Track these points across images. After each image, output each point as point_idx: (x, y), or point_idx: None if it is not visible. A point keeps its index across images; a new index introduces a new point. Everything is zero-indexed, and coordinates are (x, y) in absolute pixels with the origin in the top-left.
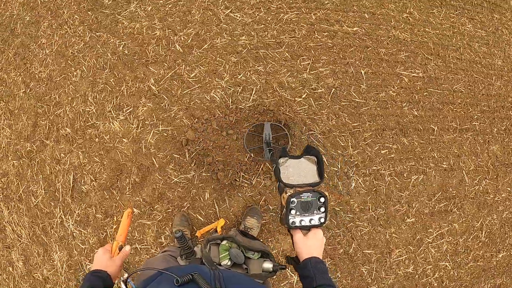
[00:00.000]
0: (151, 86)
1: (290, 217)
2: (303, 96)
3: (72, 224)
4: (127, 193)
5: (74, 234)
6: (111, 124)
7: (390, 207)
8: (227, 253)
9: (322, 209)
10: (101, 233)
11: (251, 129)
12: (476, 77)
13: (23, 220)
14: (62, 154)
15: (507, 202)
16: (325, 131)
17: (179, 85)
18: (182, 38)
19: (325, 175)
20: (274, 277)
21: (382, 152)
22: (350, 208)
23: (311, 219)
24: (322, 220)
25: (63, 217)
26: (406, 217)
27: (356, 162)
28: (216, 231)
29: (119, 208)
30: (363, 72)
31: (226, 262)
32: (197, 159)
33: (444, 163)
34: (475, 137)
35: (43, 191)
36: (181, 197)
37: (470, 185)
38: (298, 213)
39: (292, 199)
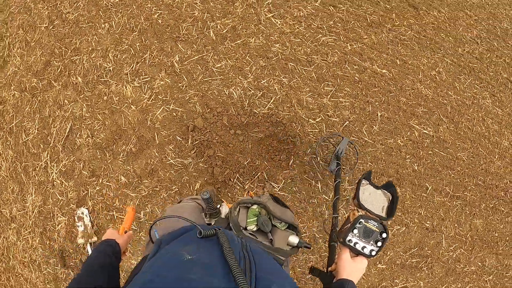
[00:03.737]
0: (175, 63)
1: (350, 234)
2: (317, 120)
3: (55, 173)
4: (120, 159)
5: (55, 183)
6: (124, 87)
7: None
8: (255, 218)
9: (379, 244)
10: (82, 191)
11: (326, 137)
12: (481, 151)
13: (7, 153)
14: (66, 101)
15: (474, 276)
16: (327, 160)
17: (202, 70)
18: (219, 27)
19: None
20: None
21: None
22: (327, 239)
23: (364, 247)
24: (373, 253)
25: (48, 162)
26: (378, 262)
27: (347, 197)
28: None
29: (107, 171)
30: (379, 114)
31: (252, 227)
32: (199, 148)
33: (428, 222)
34: (463, 207)
35: (36, 131)
36: (172, 179)
37: (445, 249)
38: (358, 234)
39: (360, 220)
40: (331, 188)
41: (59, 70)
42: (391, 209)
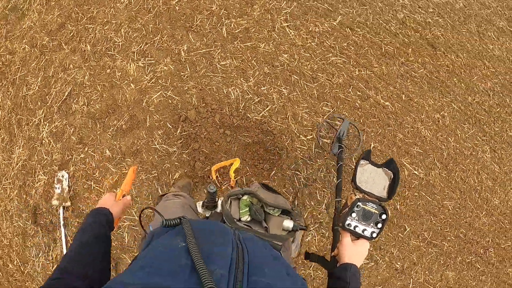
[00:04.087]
0: (182, 51)
1: (348, 218)
2: (308, 137)
3: (46, 132)
4: (109, 133)
5: (43, 141)
6: (129, 64)
7: None
8: (248, 208)
9: (379, 225)
10: (67, 155)
11: (327, 118)
12: (469, 204)
13: (5, 102)
14: (71, 65)
15: None
16: (309, 179)
17: (206, 65)
18: (232, 25)
19: (395, 195)
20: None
21: None
22: (295, 260)
23: (364, 230)
24: (374, 235)
25: (41, 121)
26: None
27: (321, 221)
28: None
29: (94, 142)
30: (372, 145)
31: (245, 217)
32: (185, 140)
33: (399, 263)
34: (439, 255)
35: (37, 88)
36: (154, 164)
37: None
38: (357, 218)
39: (358, 203)
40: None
41: (71, 34)
42: (392, 188)
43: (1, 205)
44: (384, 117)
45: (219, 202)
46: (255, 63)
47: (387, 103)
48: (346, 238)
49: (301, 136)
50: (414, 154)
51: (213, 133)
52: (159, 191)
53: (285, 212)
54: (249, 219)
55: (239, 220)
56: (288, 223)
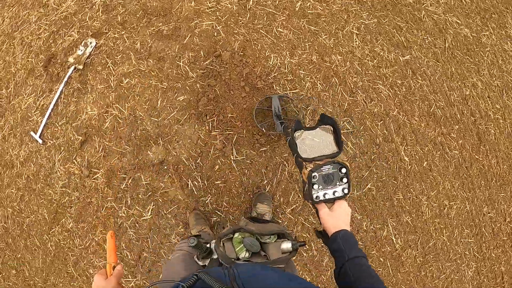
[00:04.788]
0: (251, 0)
1: (313, 192)
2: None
3: (101, 0)
4: (150, 30)
5: (93, 7)
6: None
7: None
8: (242, 245)
9: (345, 180)
10: (105, 29)
11: (259, 105)
12: None
13: None
14: None
15: None
16: (292, 176)
17: (264, 23)
18: (308, 4)
19: (343, 143)
20: (305, 253)
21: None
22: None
23: (334, 191)
24: (346, 191)
25: None
26: None
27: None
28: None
29: (133, 31)
30: (368, 185)
31: (243, 254)
32: (207, 73)
33: None
34: None
35: None
36: (169, 77)
37: None
38: (321, 187)
39: (313, 174)
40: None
41: None
42: (336, 139)
43: (28, 37)
44: (395, 169)
45: (213, 247)
46: (307, 47)
47: (406, 158)
48: (322, 210)
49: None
50: (402, 222)
51: (234, 82)
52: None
53: (281, 236)
54: (247, 255)
55: (238, 259)
56: (287, 245)
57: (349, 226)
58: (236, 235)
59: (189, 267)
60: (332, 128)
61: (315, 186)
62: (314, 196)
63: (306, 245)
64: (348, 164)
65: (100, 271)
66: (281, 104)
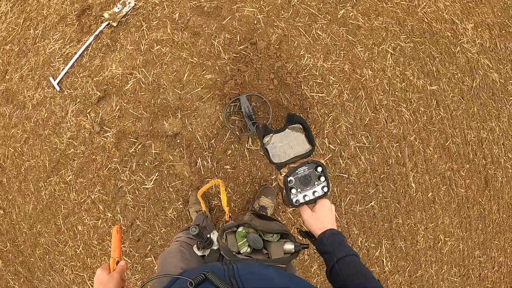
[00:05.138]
0: None
1: (292, 196)
2: (331, 145)
3: None
4: (191, 3)
5: None
6: None
7: None
8: (245, 239)
9: (322, 179)
10: None
11: (228, 108)
12: None
13: None
14: None
15: None
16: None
17: (304, 22)
18: (351, 14)
19: (315, 140)
20: (300, 256)
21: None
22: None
23: (314, 191)
24: (325, 189)
25: None
26: None
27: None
28: (222, 208)
29: (174, 0)
30: (372, 203)
31: (245, 249)
32: (240, 58)
33: None
34: None
35: None
36: (201, 54)
37: None
38: (299, 190)
39: (289, 178)
40: None
41: None
42: (308, 137)
43: None
44: (400, 193)
45: (214, 238)
46: (342, 55)
47: (413, 185)
48: (305, 213)
49: (326, 140)
50: (396, 246)
51: (264, 72)
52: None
53: (284, 236)
54: (249, 250)
55: (239, 253)
56: (290, 246)
57: (334, 224)
58: (240, 229)
59: (186, 258)
60: (301, 126)
61: (293, 190)
62: (294, 200)
63: (309, 247)
64: (323, 162)
65: (103, 265)
66: (252, 104)
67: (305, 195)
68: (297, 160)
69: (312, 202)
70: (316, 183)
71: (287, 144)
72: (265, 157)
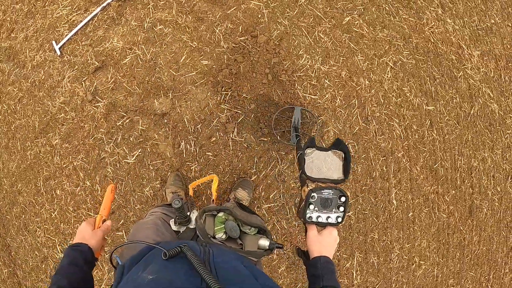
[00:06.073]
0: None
1: (308, 211)
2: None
3: None
4: None
5: None
6: None
7: None
8: (223, 225)
9: (341, 209)
10: None
11: (279, 113)
12: None
13: None
14: None
15: None
16: (282, 175)
17: (308, 23)
18: (356, 23)
19: (350, 173)
20: (270, 255)
21: None
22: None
23: (328, 217)
24: (340, 219)
25: None
26: None
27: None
28: (212, 196)
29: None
30: (373, 215)
31: (220, 235)
32: (238, 49)
33: None
34: None
35: None
36: (201, 39)
37: None
38: (316, 208)
39: (312, 194)
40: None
41: None
42: (346, 167)
43: None
44: (380, 208)
45: (193, 217)
46: (341, 61)
47: (394, 202)
48: (311, 232)
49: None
50: (368, 261)
51: (260, 66)
52: (202, 61)
53: (261, 231)
54: (224, 236)
55: (214, 237)
56: (264, 242)
57: (332, 255)
58: (221, 214)
59: (161, 231)
60: (343, 155)
61: (311, 206)
62: (307, 216)
63: (283, 249)
64: (349, 195)
65: (89, 219)
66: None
67: (319, 216)
68: (327, 182)
69: (322, 226)
70: (334, 210)
71: (324, 164)
72: (272, 162)
